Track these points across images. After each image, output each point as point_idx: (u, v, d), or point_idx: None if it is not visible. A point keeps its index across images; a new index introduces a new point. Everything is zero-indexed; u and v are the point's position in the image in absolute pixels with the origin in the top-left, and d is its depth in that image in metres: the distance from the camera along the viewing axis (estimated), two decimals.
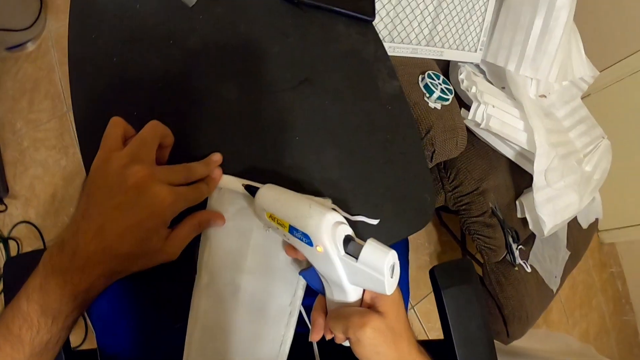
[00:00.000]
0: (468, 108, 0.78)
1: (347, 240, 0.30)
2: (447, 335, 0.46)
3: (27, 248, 1.04)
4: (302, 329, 0.38)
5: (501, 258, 0.87)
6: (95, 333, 0.46)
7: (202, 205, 0.35)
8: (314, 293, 0.35)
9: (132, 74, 0.40)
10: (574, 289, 1.47)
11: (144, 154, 0.31)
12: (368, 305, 0.32)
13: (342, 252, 0.29)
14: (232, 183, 0.36)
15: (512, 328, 0.87)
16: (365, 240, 0.29)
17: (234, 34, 0.43)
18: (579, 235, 1.03)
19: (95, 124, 0.34)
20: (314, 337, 0.33)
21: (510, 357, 0.90)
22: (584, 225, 1.04)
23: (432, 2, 0.71)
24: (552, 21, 0.76)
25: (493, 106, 0.76)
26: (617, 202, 1.37)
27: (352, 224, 0.34)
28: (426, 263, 1.22)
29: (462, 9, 0.75)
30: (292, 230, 0.30)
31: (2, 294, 0.88)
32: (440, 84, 0.71)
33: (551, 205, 0.78)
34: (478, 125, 0.77)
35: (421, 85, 0.71)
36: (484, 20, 0.79)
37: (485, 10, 0.79)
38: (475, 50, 0.81)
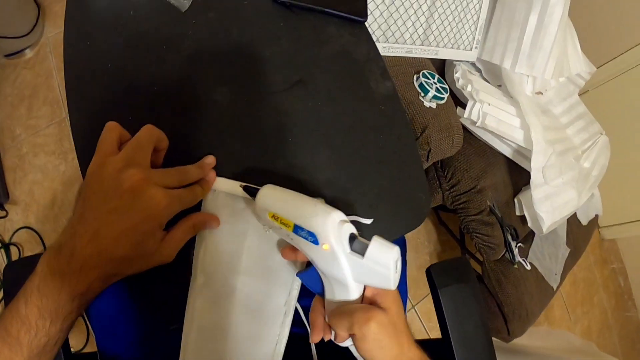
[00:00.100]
0: (464, 107, 0.78)
1: (352, 238, 0.31)
2: (444, 335, 0.46)
3: (28, 253, 1.04)
4: (298, 330, 0.38)
5: (500, 256, 0.87)
6: (95, 335, 0.47)
7: (197, 207, 0.36)
8: (310, 294, 0.35)
9: (127, 79, 0.40)
10: (576, 286, 1.47)
11: (139, 157, 0.31)
12: (369, 302, 0.32)
13: (348, 249, 0.30)
14: (227, 185, 0.37)
15: (512, 326, 0.87)
16: (365, 239, 0.30)
17: (227, 38, 0.43)
18: (578, 232, 1.03)
19: (91, 129, 0.34)
20: (315, 339, 0.33)
21: (511, 355, 0.90)
22: (584, 221, 1.04)
23: (425, 2, 0.71)
24: (547, 17, 0.76)
25: (489, 104, 0.76)
26: (617, 198, 1.37)
27: None
28: (426, 262, 1.22)
29: (456, 8, 0.75)
30: (297, 229, 0.30)
31: (3, 301, 0.89)
32: (435, 83, 0.71)
33: (549, 202, 0.78)
34: (474, 123, 0.77)
35: (416, 84, 0.71)
36: (478, 18, 0.79)
37: (480, 8, 0.79)
38: (471, 49, 0.81)
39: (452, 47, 0.78)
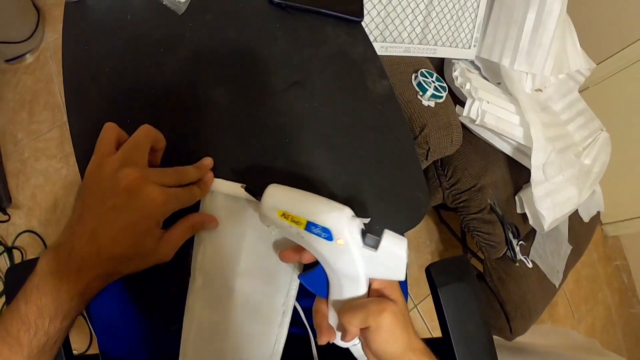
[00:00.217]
0: (463, 105, 0.78)
1: (363, 233, 0.31)
2: (445, 334, 0.46)
3: (30, 257, 1.05)
4: (297, 330, 0.38)
5: (502, 254, 0.87)
6: (97, 337, 0.47)
7: (195, 208, 0.36)
8: (309, 294, 0.35)
9: (125, 82, 0.41)
10: (579, 283, 1.46)
11: (136, 157, 0.32)
12: (378, 296, 0.33)
13: (361, 243, 0.31)
14: (225, 186, 0.37)
15: (514, 324, 0.87)
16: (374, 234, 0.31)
17: (224, 39, 0.43)
18: (580, 229, 1.02)
19: (89, 131, 0.34)
20: (323, 340, 0.33)
21: (514, 353, 0.90)
22: (586, 218, 1.04)
23: (423, 0, 0.71)
24: (545, 14, 0.76)
25: (488, 102, 0.76)
26: (620, 195, 1.37)
27: None
28: (428, 261, 1.21)
29: (454, 6, 0.75)
30: (310, 226, 0.30)
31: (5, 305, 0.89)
32: (434, 82, 0.71)
33: (550, 199, 0.78)
34: (473, 121, 0.77)
35: (414, 83, 0.71)
36: (476, 16, 0.79)
37: (478, 5, 0.79)
38: (469, 47, 0.81)
39: (450, 46, 0.78)
